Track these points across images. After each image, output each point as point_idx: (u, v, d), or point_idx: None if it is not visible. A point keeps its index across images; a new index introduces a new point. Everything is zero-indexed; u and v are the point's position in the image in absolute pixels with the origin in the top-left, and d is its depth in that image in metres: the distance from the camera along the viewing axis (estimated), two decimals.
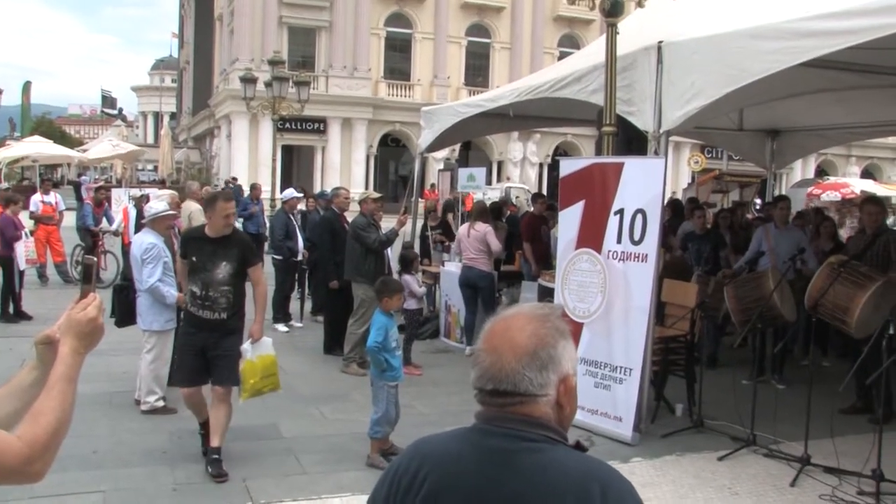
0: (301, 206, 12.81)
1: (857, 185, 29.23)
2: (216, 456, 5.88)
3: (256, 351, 6.09)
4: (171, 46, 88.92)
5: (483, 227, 9.94)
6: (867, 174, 47.71)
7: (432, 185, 29.71)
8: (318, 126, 41.08)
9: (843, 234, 13.67)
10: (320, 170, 41.90)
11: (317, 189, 31.31)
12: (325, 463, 6.20)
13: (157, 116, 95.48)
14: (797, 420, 6.45)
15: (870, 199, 8.84)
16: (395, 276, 8.77)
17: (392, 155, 45.26)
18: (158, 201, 8.02)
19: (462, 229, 10.25)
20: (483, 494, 1.66)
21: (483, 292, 9.91)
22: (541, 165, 44.78)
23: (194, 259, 5.97)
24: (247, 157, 40.16)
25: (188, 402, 6.17)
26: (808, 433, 6.25)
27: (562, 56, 35.69)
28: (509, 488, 1.64)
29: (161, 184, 32.05)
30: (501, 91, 10.99)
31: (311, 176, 41.34)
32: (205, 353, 5.95)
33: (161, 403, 7.27)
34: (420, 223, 13.48)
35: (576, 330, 7.16)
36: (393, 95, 43.12)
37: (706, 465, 6.37)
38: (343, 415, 7.46)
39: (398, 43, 44.07)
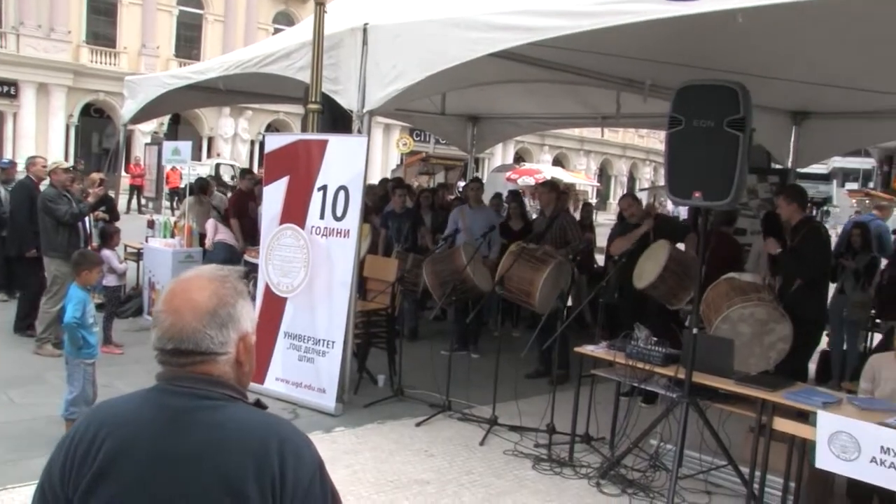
0: None
1: (549, 172, 31.76)
2: None
3: None
4: None
5: None
6: (557, 162, 51.63)
7: (136, 159, 28.33)
8: (8, 90, 37.28)
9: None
10: (12, 138, 38.17)
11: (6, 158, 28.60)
12: (15, 451, 5.74)
13: None
14: (488, 386, 6.94)
15: (545, 185, 9.65)
16: None
17: (96, 126, 42.17)
18: None
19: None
20: (163, 453, 1.67)
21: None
22: (252, 142, 43.91)
23: None
24: None
25: None
26: (496, 397, 6.81)
27: (276, 32, 35.22)
28: (189, 446, 1.67)
29: None
30: (210, 64, 10.71)
31: (0, 145, 37.61)
32: None
33: None
34: (124, 198, 12.84)
35: (279, 304, 7.25)
36: (97, 63, 40.08)
37: (405, 431, 6.69)
38: (35, 398, 6.95)
39: (102, 6, 40.98)
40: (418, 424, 6.84)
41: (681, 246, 8.14)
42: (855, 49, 6.79)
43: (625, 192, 56.57)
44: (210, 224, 10.41)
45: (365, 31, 7.09)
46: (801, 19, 5.81)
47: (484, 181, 13.18)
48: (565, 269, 7.62)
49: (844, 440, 4.66)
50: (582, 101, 11.34)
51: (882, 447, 4.50)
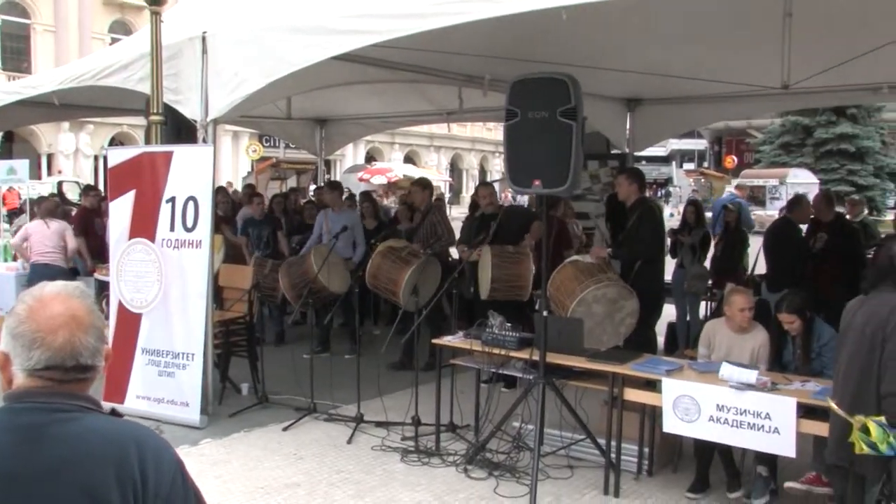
0: None
1: (400, 170, 32.06)
2: None
3: None
4: None
5: (61, 223, 9.71)
6: (408, 159, 51.92)
7: None
8: None
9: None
10: None
11: None
12: None
13: None
14: (352, 385, 7.02)
15: (417, 183, 9.81)
16: None
17: None
18: None
19: (35, 225, 9.75)
20: (15, 474, 1.64)
21: None
22: (96, 157, 42.12)
23: None
24: None
25: None
26: (361, 395, 6.89)
27: (114, 42, 33.86)
28: (44, 462, 1.64)
29: None
30: (42, 78, 10.31)
31: None
32: None
33: None
34: None
35: (134, 321, 7.10)
36: None
37: (273, 437, 6.69)
38: None
39: None
40: (285, 429, 6.85)
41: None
42: (672, 41, 7.28)
43: (477, 184, 57.72)
44: (19, 236, 9.84)
45: (204, 39, 7.02)
46: (621, 14, 6.18)
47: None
48: (431, 266, 7.81)
49: (686, 403, 5.02)
50: (426, 98, 11.53)
51: (717, 405, 4.88)
